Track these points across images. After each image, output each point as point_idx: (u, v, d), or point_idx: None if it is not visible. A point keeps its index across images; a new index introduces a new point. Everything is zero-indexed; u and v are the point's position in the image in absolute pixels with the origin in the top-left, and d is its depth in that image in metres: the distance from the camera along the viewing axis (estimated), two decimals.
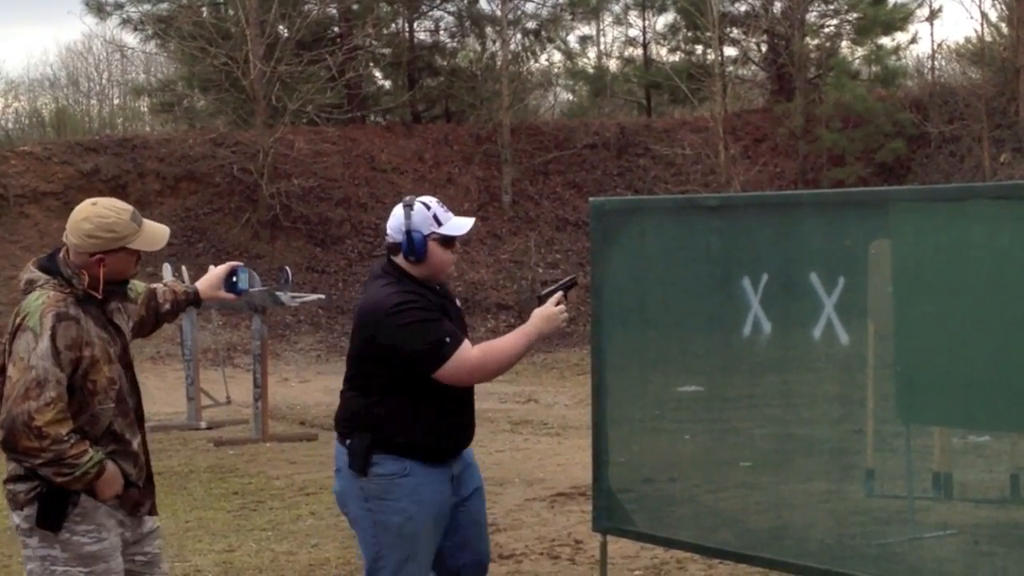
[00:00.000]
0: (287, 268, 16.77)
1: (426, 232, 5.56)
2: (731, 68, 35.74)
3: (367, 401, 5.57)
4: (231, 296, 5.77)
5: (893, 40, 34.95)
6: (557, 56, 38.78)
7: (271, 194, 28.67)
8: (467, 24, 35.63)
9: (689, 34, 36.26)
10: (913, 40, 42.08)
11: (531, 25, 35.59)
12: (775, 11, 34.78)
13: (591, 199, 7.47)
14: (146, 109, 40.58)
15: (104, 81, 46.67)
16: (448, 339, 5.43)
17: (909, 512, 6.49)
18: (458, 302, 5.85)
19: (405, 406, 5.52)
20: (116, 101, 46.21)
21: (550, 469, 12.65)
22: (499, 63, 33.48)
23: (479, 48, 35.58)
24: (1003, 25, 33.20)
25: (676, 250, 7.12)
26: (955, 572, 5.97)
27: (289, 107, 29.13)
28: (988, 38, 33.76)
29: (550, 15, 35.88)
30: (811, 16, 35.03)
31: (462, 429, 5.75)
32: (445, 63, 35.77)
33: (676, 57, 36.85)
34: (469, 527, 5.81)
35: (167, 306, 5.63)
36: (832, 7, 35.38)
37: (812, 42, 34.91)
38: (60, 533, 5.02)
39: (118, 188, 27.91)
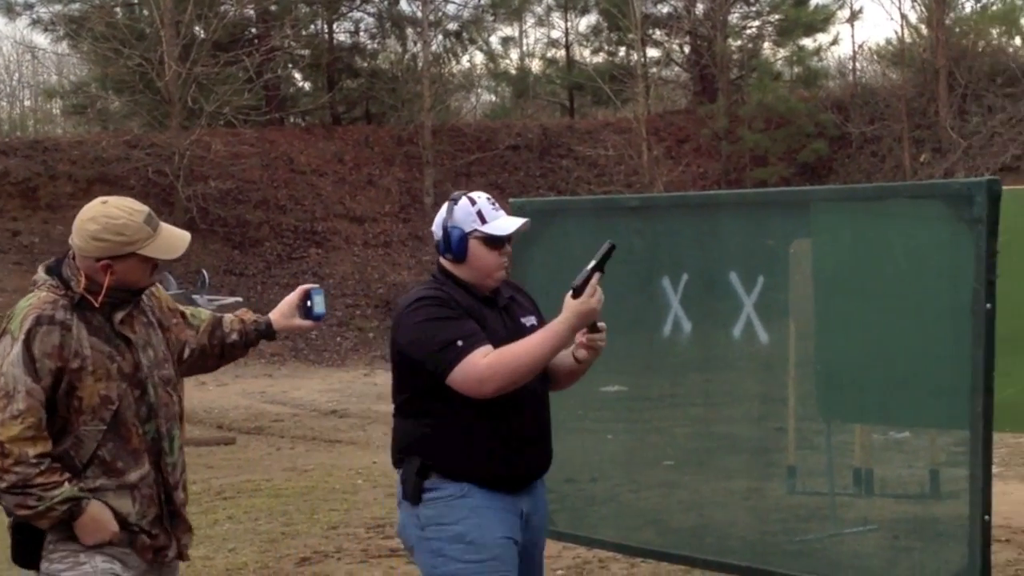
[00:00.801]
0: (204, 271, 16.67)
1: (468, 230, 4.87)
2: (654, 69, 35.90)
3: (412, 422, 4.84)
4: (309, 324, 5.01)
5: (815, 41, 35.32)
6: (479, 57, 38.85)
7: (188, 197, 28.43)
8: (387, 25, 35.57)
9: (612, 35, 36.38)
10: (834, 41, 42.63)
11: (452, 26, 35.65)
12: (697, 13, 34.99)
13: (512, 200, 7.45)
14: (58, 111, 40.17)
15: (14, 83, 46.20)
16: (461, 341, 4.67)
17: (830, 508, 6.52)
18: (530, 319, 5.03)
19: (454, 424, 4.77)
20: (27, 103, 45.76)
21: None
22: (420, 64, 33.43)
23: (400, 49, 35.53)
24: (923, 27, 33.54)
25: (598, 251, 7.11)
26: (874, 567, 6.00)
27: (206, 109, 28.92)
28: (908, 39, 34.11)
29: (472, 16, 35.93)
30: (733, 17, 35.27)
31: (531, 452, 4.94)
32: (365, 64, 35.68)
33: (599, 58, 36.99)
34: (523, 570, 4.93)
35: (234, 336, 4.88)
36: (754, 9, 35.66)
37: (734, 43, 35.15)
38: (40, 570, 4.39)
39: (29, 191, 27.64)
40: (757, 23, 35.79)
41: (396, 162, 31.86)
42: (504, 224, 4.92)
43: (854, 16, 35.47)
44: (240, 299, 19.12)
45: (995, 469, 10.54)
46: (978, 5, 34.10)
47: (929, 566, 5.67)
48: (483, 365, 4.66)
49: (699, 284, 6.62)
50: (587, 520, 7.34)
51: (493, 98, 41.97)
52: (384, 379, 22.37)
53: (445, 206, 4.91)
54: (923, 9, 32.70)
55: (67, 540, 4.34)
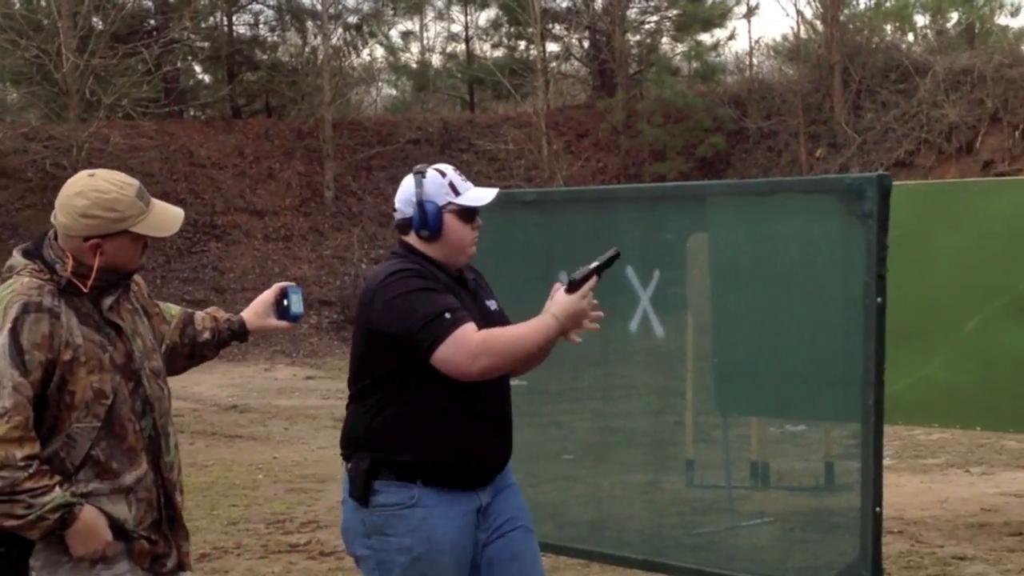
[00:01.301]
0: None
1: (441, 203, 4.54)
2: (553, 64, 35.94)
3: (367, 411, 4.48)
4: (284, 324, 4.68)
5: (712, 37, 35.57)
6: (379, 51, 38.71)
7: None
8: (287, 18, 35.37)
9: (511, 30, 36.40)
10: (731, 37, 42.99)
11: (352, 20, 35.51)
12: (596, 7, 35.12)
13: None
14: None
15: None
16: (448, 314, 4.34)
17: (727, 501, 6.58)
18: (492, 303, 4.74)
19: (412, 414, 4.43)
20: None
21: None
22: (320, 58, 33.26)
23: (300, 42, 35.34)
24: (818, 23, 33.88)
25: (497, 244, 7.12)
26: (770, 559, 6.06)
27: (104, 101, 28.58)
28: (804, 35, 34.44)
29: (372, 10, 35.81)
30: (632, 12, 35.43)
31: (491, 444, 4.60)
32: (265, 57, 35.44)
33: (499, 53, 36.99)
34: (506, 565, 4.58)
35: (206, 335, 4.53)
36: (652, 4, 35.82)
37: (633, 38, 35.30)
38: None
39: None
40: (655, 18, 35.97)
41: (296, 156, 31.68)
42: (479, 194, 4.64)
43: (751, 12, 35.78)
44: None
45: (888, 461, 10.70)
46: (872, 2, 34.51)
47: (823, 557, 5.74)
48: (477, 339, 4.33)
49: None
50: None
51: (393, 92, 41.87)
52: (284, 374, 22.27)
53: (410, 180, 4.58)
54: (818, 5, 33.03)
55: (57, 553, 3.94)
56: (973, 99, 29.45)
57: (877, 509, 5.30)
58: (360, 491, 4.45)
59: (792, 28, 43.05)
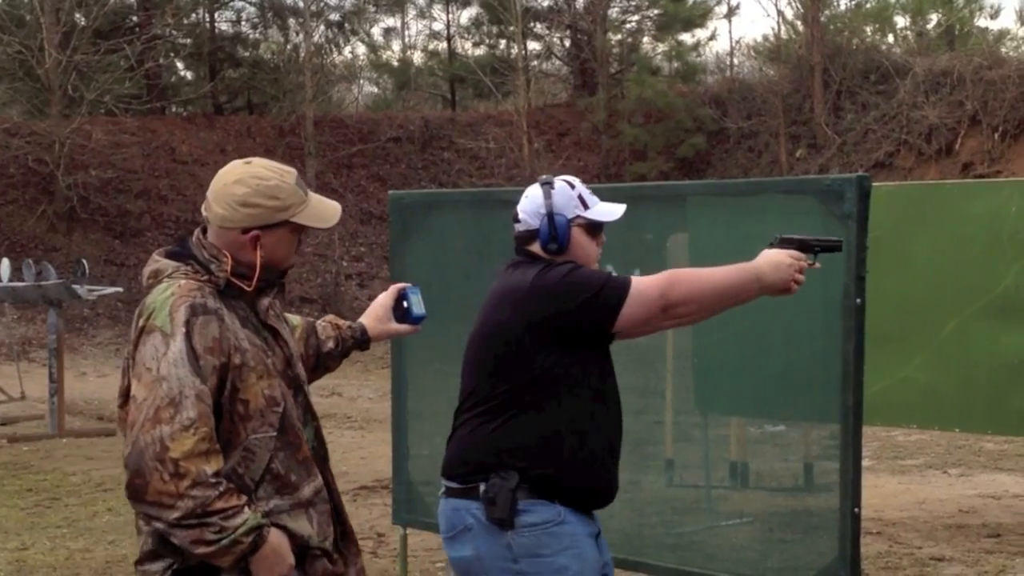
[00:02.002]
0: (83, 260, 16.50)
1: (570, 216, 4.36)
2: (535, 63, 35.97)
3: (505, 425, 4.23)
4: (407, 328, 4.40)
5: (693, 36, 35.65)
6: (361, 49, 38.71)
7: (68, 185, 28.04)
8: (269, 15, 35.34)
9: (493, 28, 36.41)
10: (712, 37, 42.93)
11: (334, 17, 35.48)
12: (578, 6, 35.11)
13: (391, 192, 7.46)
14: None
15: None
16: (613, 274, 4.28)
17: (707, 501, 6.59)
18: None
19: (554, 429, 4.22)
20: None
21: (353, 462, 12.61)
22: (302, 55, 33.24)
23: (282, 40, 35.30)
24: (799, 23, 33.96)
25: (477, 243, 7.14)
26: (749, 559, 6.08)
27: (86, 97, 28.54)
28: (784, 36, 34.52)
29: (353, 7, 35.80)
30: (613, 12, 35.46)
31: (615, 468, 4.41)
32: (247, 54, 35.42)
33: (480, 51, 37.00)
34: None
35: (330, 344, 4.21)
36: (634, 3, 35.85)
37: (614, 38, 35.35)
38: None
39: None
40: (636, 17, 36.02)
41: (278, 153, 31.62)
42: (609, 209, 4.46)
43: (731, 12, 35.98)
44: (120, 289, 18.90)
45: (867, 462, 10.74)
46: (852, 3, 34.61)
47: (802, 558, 5.76)
48: (659, 275, 4.22)
49: None
50: None
51: (375, 90, 41.87)
52: None
53: (538, 191, 4.41)
54: (799, 6, 33.13)
55: None
56: (953, 101, 29.53)
57: (856, 510, 5.32)
58: (507, 511, 4.17)
59: (773, 29, 43.20)
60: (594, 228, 4.41)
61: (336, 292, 27.94)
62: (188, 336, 3.46)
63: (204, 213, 3.70)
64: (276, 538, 3.52)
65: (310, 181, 30.84)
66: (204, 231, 3.71)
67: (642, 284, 4.19)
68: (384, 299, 4.36)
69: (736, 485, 6.55)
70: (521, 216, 4.41)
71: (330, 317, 4.33)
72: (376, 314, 4.34)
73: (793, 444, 6.45)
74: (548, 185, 4.40)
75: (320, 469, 3.76)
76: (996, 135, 28.68)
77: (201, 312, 3.50)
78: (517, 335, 4.22)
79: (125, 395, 3.60)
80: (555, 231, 4.33)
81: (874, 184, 5.63)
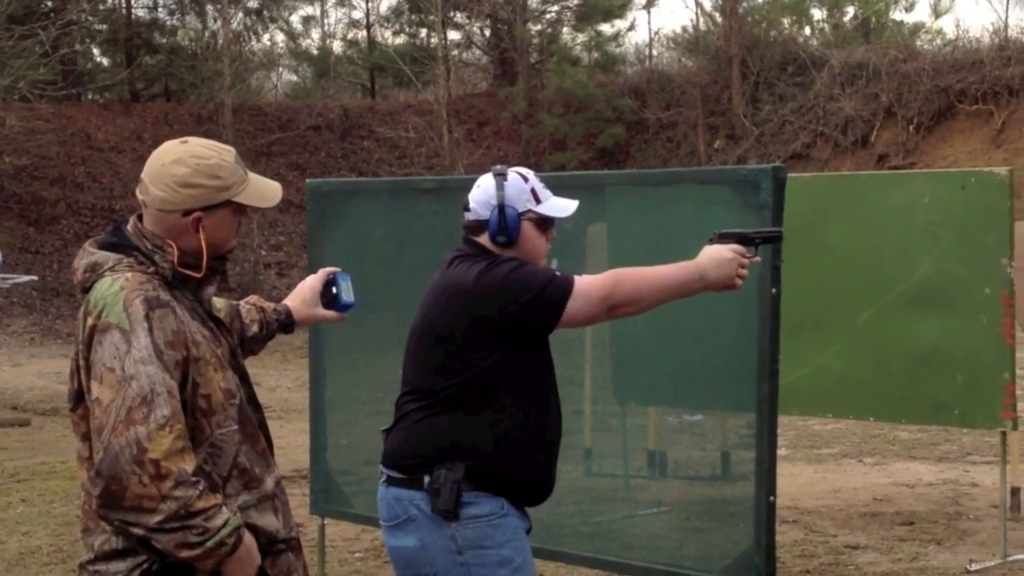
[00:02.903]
0: None
1: (521, 209, 4.32)
2: (455, 52, 35.93)
3: (454, 417, 4.22)
4: (334, 314, 4.26)
5: (612, 27, 35.74)
6: (280, 36, 38.48)
7: None
8: (187, 2, 35.03)
9: (413, 17, 36.35)
10: (631, 27, 43.08)
11: (253, 4, 35.22)
12: None
13: (308, 181, 7.43)
14: None
15: None
16: (559, 272, 4.23)
17: (625, 490, 6.61)
18: None
19: (502, 423, 4.21)
20: None
21: None
22: (220, 42, 32.99)
23: (200, 26, 35.04)
24: (717, 15, 34.15)
25: (396, 232, 7.12)
26: (666, 548, 6.10)
27: (0, 83, 28.17)
28: (703, 27, 34.68)
29: None
30: (533, 2, 35.50)
31: (553, 466, 4.44)
32: (165, 41, 35.11)
33: (400, 40, 36.91)
34: None
35: (254, 328, 4.07)
36: None
37: (534, 28, 35.37)
38: None
39: None
40: (556, 8, 36.07)
41: None
42: (562, 205, 4.42)
43: (650, 3, 35.98)
44: (35, 278, 18.75)
45: (783, 451, 10.84)
46: None
47: (718, 546, 5.79)
48: (603, 276, 4.21)
49: None
50: None
51: (294, 78, 41.67)
52: None
53: (489, 182, 4.37)
54: None
55: None
56: (868, 93, 29.84)
57: (771, 498, 5.35)
58: (451, 503, 4.16)
59: (691, 20, 43.35)
60: (544, 223, 4.38)
61: (255, 281, 27.78)
62: (150, 331, 3.30)
63: (140, 197, 3.50)
64: (248, 538, 3.39)
65: None
66: (140, 218, 3.52)
67: (586, 284, 4.19)
68: (312, 282, 4.23)
69: (654, 474, 6.57)
70: (472, 205, 4.37)
71: (254, 299, 4.18)
72: (303, 297, 4.21)
73: (710, 433, 6.48)
74: (501, 176, 4.35)
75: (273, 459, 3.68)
76: (911, 127, 29.00)
77: (157, 305, 3.34)
78: (461, 332, 4.20)
79: (76, 398, 3.44)
80: (505, 224, 4.30)
81: (790, 175, 5.67)
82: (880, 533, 8.91)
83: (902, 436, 12.55)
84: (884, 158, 28.91)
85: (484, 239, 4.35)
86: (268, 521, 3.52)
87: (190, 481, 3.24)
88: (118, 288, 3.35)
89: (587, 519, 6.55)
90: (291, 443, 12.96)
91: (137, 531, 3.24)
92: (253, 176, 3.57)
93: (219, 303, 3.92)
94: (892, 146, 29.17)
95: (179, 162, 3.45)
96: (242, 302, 4.12)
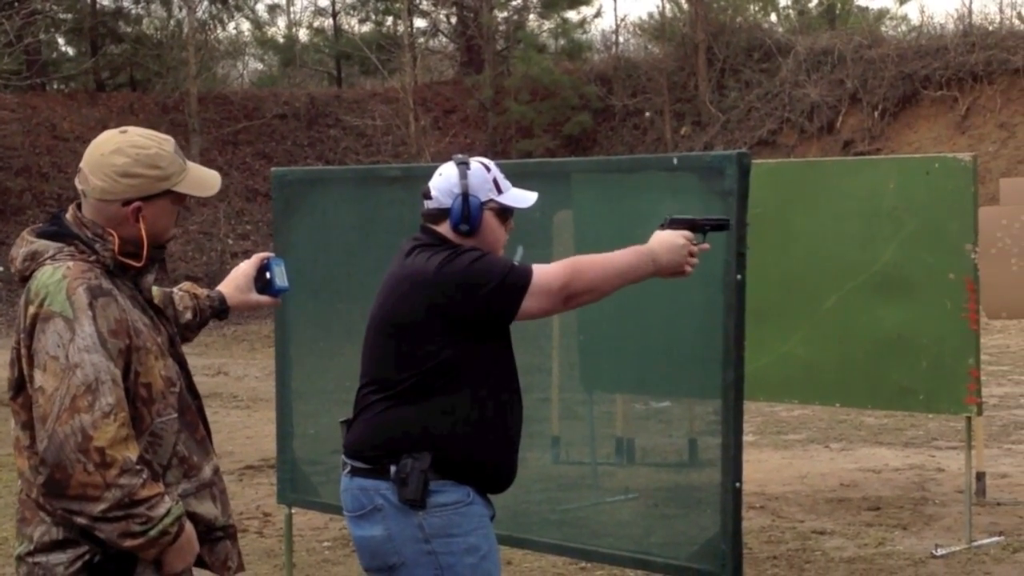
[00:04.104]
0: None
1: (483, 199, 4.31)
2: (421, 40, 35.86)
3: (418, 408, 4.21)
4: (268, 300, 4.22)
5: (579, 14, 35.74)
6: (246, 25, 38.40)
7: None
8: None
9: (379, 5, 36.30)
10: (598, 14, 43.19)
11: None
12: None
13: (273, 169, 7.40)
14: None
15: None
16: (518, 263, 4.28)
17: (592, 478, 6.61)
18: None
19: (466, 412, 4.23)
20: None
21: (239, 442, 12.55)
22: (185, 31, 32.87)
23: (165, 15, 34.89)
24: (683, 1, 34.17)
25: (361, 221, 7.10)
26: (634, 535, 6.11)
27: None
28: (669, 14, 34.72)
29: None
30: None
31: (516, 453, 4.47)
32: (130, 30, 34.95)
33: (366, 28, 36.86)
34: None
35: (188, 315, 4.03)
36: None
37: (500, 15, 35.33)
38: None
39: None
40: None
41: (161, 129, 30.17)
42: (522, 196, 4.43)
43: None
44: (1, 268, 18.63)
45: (750, 438, 10.87)
46: None
47: (686, 533, 5.80)
48: (560, 266, 4.24)
49: None
50: None
51: (260, 66, 41.54)
52: None
53: (452, 170, 4.35)
54: None
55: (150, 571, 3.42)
56: (834, 79, 29.93)
57: (737, 484, 5.36)
58: (419, 492, 4.16)
59: (657, 7, 43.41)
60: (505, 213, 4.39)
61: (221, 270, 27.69)
62: (94, 319, 3.30)
63: (79, 186, 3.50)
64: (189, 527, 3.41)
65: (194, 158, 30.53)
66: (79, 207, 3.52)
67: (545, 275, 4.20)
68: (246, 268, 4.21)
69: (621, 461, 6.57)
70: (434, 193, 4.34)
71: (187, 285, 4.15)
72: (236, 283, 4.18)
73: (677, 420, 6.49)
74: (464, 165, 4.34)
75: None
76: (876, 113, 29.10)
77: (100, 294, 3.34)
78: (420, 321, 4.20)
79: (17, 387, 3.43)
80: (469, 212, 4.28)
81: (756, 161, 5.68)
82: (847, 518, 8.94)
83: (868, 422, 12.60)
84: (850, 144, 29.01)
85: (444, 228, 4.34)
86: (207, 509, 3.54)
87: (134, 469, 3.25)
88: (60, 276, 3.34)
89: (555, 507, 6.56)
90: (258, 432, 12.95)
91: (81, 520, 3.25)
92: (192, 165, 3.58)
93: (153, 291, 3.88)
94: (857, 132, 29.26)
95: (119, 152, 3.45)
96: (175, 289, 4.10)
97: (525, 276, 4.20)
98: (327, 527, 8.83)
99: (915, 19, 40.05)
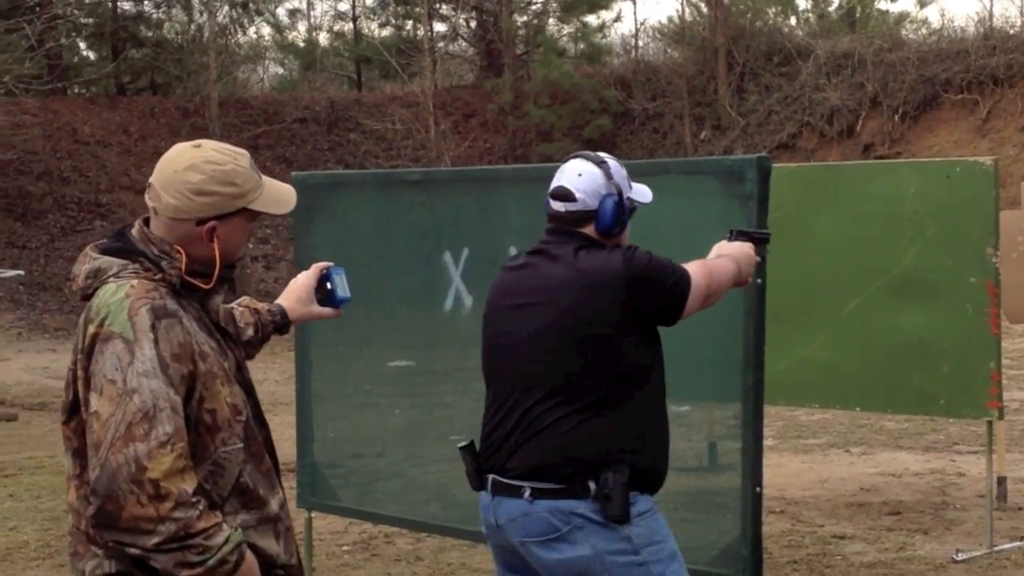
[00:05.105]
0: None
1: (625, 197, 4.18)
2: (441, 44, 35.90)
3: (608, 420, 4.04)
4: (330, 311, 4.03)
5: (598, 18, 35.71)
6: (266, 29, 38.42)
7: None
8: None
9: (399, 9, 36.31)
10: (617, 18, 43.12)
11: None
12: None
13: (294, 173, 7.41)
14: None
15: None
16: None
17: None
18: None
19: (648, 419, 4.15)
20: None
21: None
22: (206, 35, 32.91)
23: (185, 19, 34.97)
24: (702, 5, 34.15)
25: (381, 225, 7.11)
26: None
27: None
28: (688, 18, 34.68)
29: None
30: None
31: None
32: (151, 34, 35.01)
33: (386, 32, 36.89)
34: None
35: (249, 331, 3.85)
36: None
37: (520, 19, 35.34)
38: None
39: None
40: None
41: (182, 134, 31.28)
42: (644, 191, 4.31)
43: None
44: (22, 272, 18.71)
45: (770, 442, 10.84)
46: None
47: (705, 537, 5.79)
48: (697, 266, 4.17)
49: (480, 258, 6.66)
50: (373, 495, 7.35)
51: (281, 71, 41.60)
52: None
53: (594, 168, 4.18)
54: None
55: None
56: (854, 83, 29.86)
57: (757, 489, 5.36)
58: (624, 507, 4.00)
59: (677, 10, 43.38)
60: (633, 211, 4.29)
61: (242, 274, 27.74)
62: (156, 342, 3.12)
63: (150, 203, 3.31)
64: (251, 556, 3.22)
65: None
66: (147, 222, 3.34)
67: (694, 275, 4.14)
68: (305, 279, 4.01)
69: None
70: (579, 196, 4.15)
71: (246, 300, 3.95)
72: (297, 295, 3.99)
73: (697, 424, 6.48)
74: (604, 164, 4.19)
75: (279, 480, 3.48)
76: (896, 117, 29.04)
77: (164, 315, 3.16)
78: (612, 323, 4.04)
79: (70, 411, 3.27)
80: (623, 215, 4.14)
81: (776, 165, 5.67)
82: (867, 523, 8.92)
83: (889, 426, 12.57)
84: (870, 148, 28.95)
85: (589, 229, 4.15)
86: (268, 544, 3.35)
87: (190, 502, 3.08)
88: (123, 295, 3.18)
89: None
90: (278, 436, 12.90)
91: (134, 551, 3.10)
92: (267, 180, 3.42)
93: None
94: (878, 136, 29.20)
95: (193, 168, 3.27)
96: (235, 304, 3.90)
97: (687, 274, 4.13)
98: (347, 531, 8.84)
99: (936, 22, 39.90)
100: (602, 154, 4.31)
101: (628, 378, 4.06)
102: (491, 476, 4.19)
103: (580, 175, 4.16)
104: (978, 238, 7.90)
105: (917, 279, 8.09)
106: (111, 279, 3.24)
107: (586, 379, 4.03)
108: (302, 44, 38.38)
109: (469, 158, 31.17)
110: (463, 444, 4.31)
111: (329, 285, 4.00)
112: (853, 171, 9.35)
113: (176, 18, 35.33)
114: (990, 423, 8.28)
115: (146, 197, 3.34)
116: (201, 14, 34.08)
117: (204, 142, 3.38)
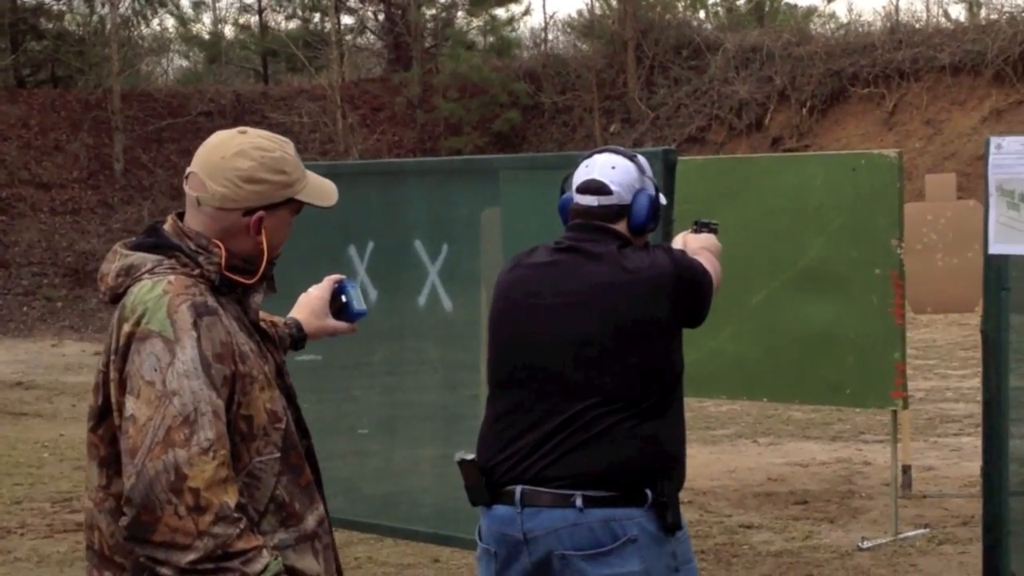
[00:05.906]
0: None
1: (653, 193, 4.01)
2: (348, 37, 35.74)
3: (659, 425, 3.87)
4: (346, 326, 3.74)
5: (507, 11, 35.66)
6: (170, 21, 38.08)
7: None
8: None
9: (305, 1, 36.10)
10: (526, 12, 43.03)
11: None
12: None
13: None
14: None
15: None
16: None
17: None
18: None
19: (682, 425, 4.00)
20: None
21: None
22: (108, 27, 32.57)
23: (87, 11, 34.56)
24: None
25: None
26: None
27: None
28: (598, 11, 34.76)
29: None
30: None
31: None
32: (51, 26, 34.57)
33: (293, 24, 36.65)
34: None
35: None
36: None
37: (428, 12, 35.24)
38: None
39: None
40: None
41: (84, 127, 30.99)
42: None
43: None
44: None
45: None
46: None
47: None
48: (706, 264, 4.05)
49: (385, 252, 6.62)
50: None
51: (185, 63, 41.23)
52: (72, 350, 21.74)
53: (626, 162, 3.98)
54: None
55: None
56: (762, 76, 30.06)
57: None
58: (678, 516, 3.82)
59: (586, 4, 43.52)
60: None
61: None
62: (198, 341, 2.90)
63: (191, 193, 3.08)
64: None
65: (117, 156, 30.28)
66: (180, 216, 3.12)
67: (712, 272, 4.06)
68: (319, 292, 3.71)
69: None
70: (615, 189, 3.94)
71: (261, 314, 3.51)
72: (311, 308, 3.69)
73: None
74: (635, 158, 3.99)
75: (321, 494, 3.21)
76: (804, 110, 29.27)
77: (205, 312, 2.94)
78: (665, 323, 3.89)
79: (99, 416, 3.02)
80: (658, 212, 3.97)
81: (684, 158, 5.69)
82: (774, 512, 8.97)
83: (796, 416, 12.66)
84: (778, 141, 29.16)
85: (621, 226, 3.96)
86: (307, 564, 3.08)
87: (231, 517, 2.83)
88: (160, 292, 2.95)
89: None
90: None
91: (165, 570, 2.84)
92: (309, 172, 3.21)
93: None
94: (786, 129, 29.42)
95: (242, 154, 3.04)
96: None
97: (709, 273, 4.03)
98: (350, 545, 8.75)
99: (843, 17, 40.25)
100: (629, 150, 4.16)
101: (673, 383, 3.93)
102: (519, 487, 3.89)
103: (614, 168, 3.97)
104: (883, 230, 7.95)
105: (823, 271, 8.13)
106: (145, 276, 3.01)
107: (637, 384, 3.84)
108: (207, 36, 38.08)
109: (378, 152, 31.07)
110: (466, 458, 4.04)
111: (344, 298, 3.75)
112: (760, 164, 9.39)
113: (77, 9, 34.96)
114: (895, 412, 8.34)
115: (185, 187, 3.11)
116: (103, 5, 33.74)
117: (250, 129, 3.18)
